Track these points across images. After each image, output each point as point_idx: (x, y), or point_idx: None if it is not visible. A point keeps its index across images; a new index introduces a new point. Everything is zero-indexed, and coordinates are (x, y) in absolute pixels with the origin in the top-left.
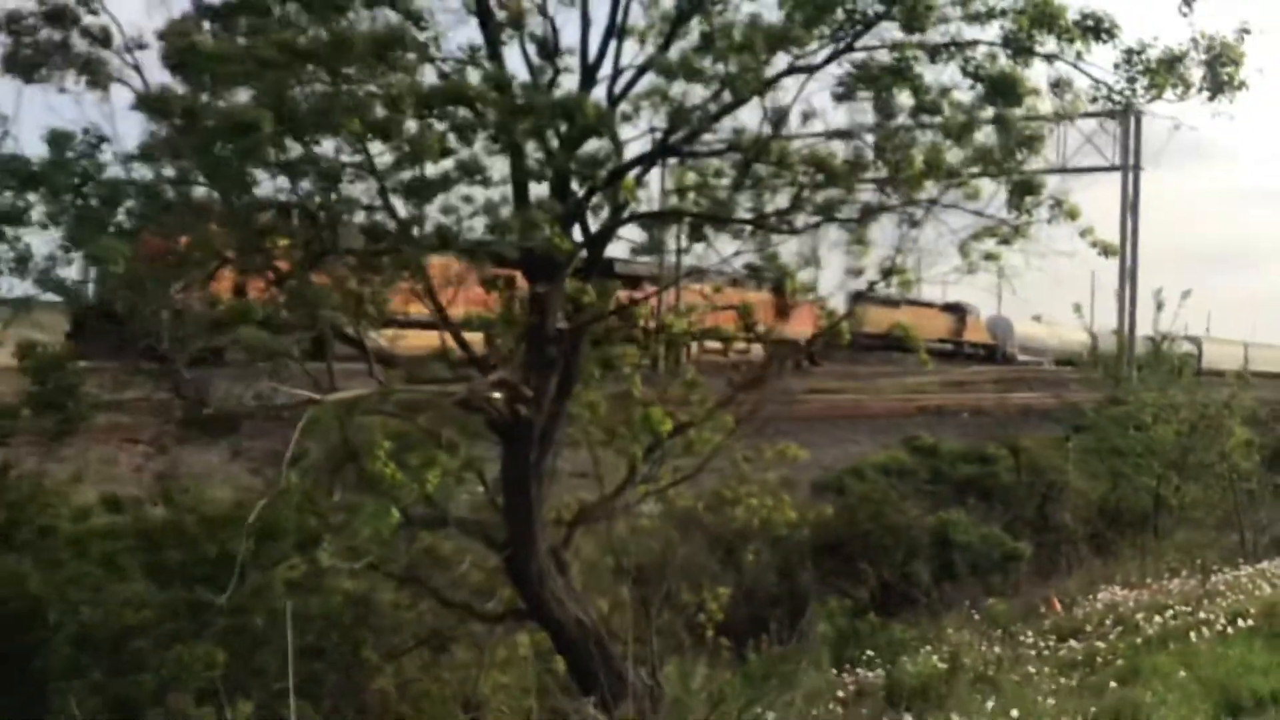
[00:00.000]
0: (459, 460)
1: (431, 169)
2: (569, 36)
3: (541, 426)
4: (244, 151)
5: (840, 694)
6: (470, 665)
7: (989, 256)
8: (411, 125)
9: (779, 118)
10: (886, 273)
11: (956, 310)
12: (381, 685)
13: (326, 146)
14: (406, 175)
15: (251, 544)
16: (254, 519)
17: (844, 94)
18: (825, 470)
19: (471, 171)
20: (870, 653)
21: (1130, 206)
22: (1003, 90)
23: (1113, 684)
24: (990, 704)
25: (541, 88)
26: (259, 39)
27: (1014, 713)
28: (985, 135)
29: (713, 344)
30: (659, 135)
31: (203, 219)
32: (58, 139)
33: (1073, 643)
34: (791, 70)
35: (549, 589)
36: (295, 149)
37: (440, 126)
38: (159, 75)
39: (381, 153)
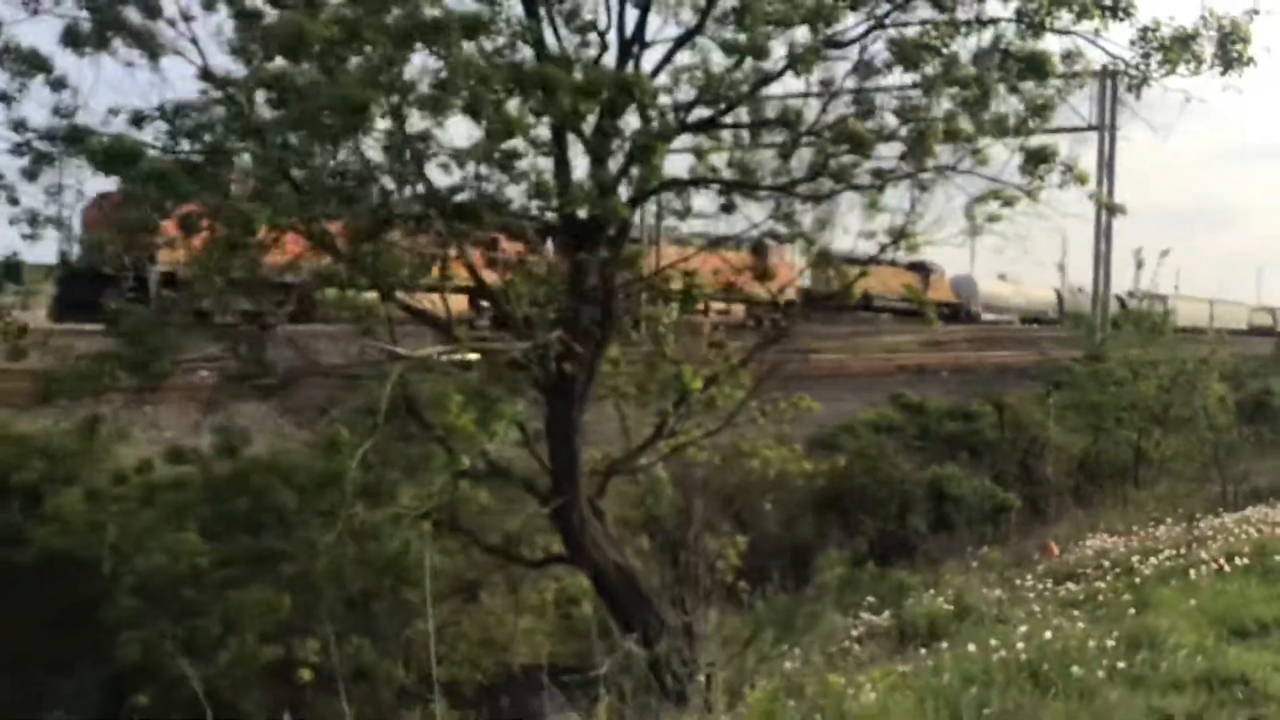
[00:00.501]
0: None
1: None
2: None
3: (581, 383)
4: (352, 128)
5: (855, 633)
6: (497, 611)
7: (993, 218)
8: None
9: (832, 94)
10: (897, 236)
11: (920, 269)
12: (422, 628)
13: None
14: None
15: (314, 495)
16: (314, 470)
17: (877, 69)
18: (820, 427)
19: (538, 144)
20: (871, 599)
21: (1106, 166)
22: (1034, 67)
23: (1131, 610)
24: (1024, 628)
25: (601, 67)
26: (366, 20)
27: (1046, 634)
28: (999, 104)
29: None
30: (701, 109)
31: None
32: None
33: (1070, 585)
34: (827, 44)
35: (590, 535)
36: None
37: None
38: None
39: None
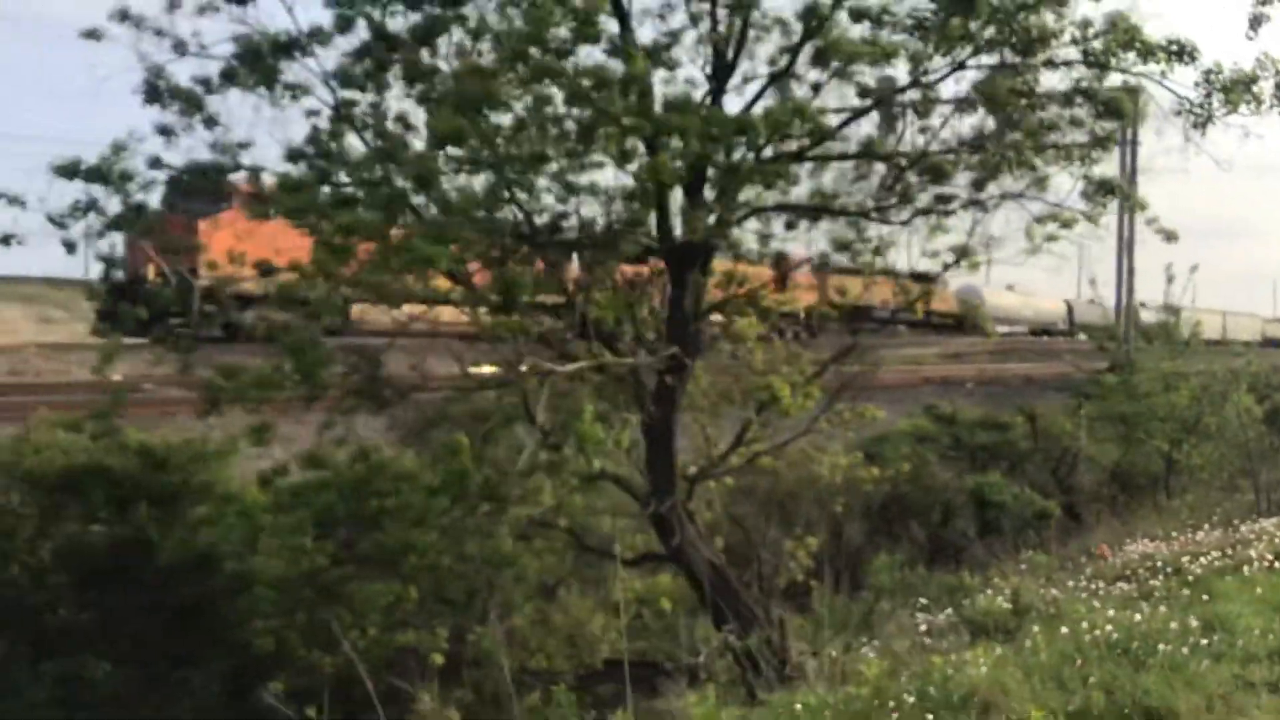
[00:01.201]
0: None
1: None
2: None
3: (678, 394)
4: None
5: (922, 628)
6: (574, 608)
7: (1050, 239)
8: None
9: (931, 128)
10: (959, 255)
11: (923, 279)
12: (517, 622)
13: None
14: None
15: (437, 497)
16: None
17: (967, 107)
18: (859, 436)
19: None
20: (924, 600)
21: (1129, 179)
22: (1114, 110)
23: (1205, 596)
24: (1111, 611)
25: (723, 112)
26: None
27: (1136, 616)
28: (1061, 135)
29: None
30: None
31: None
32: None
33: (1122, 585)
34: (913, 84)
35: (686, 535)
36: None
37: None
38: None
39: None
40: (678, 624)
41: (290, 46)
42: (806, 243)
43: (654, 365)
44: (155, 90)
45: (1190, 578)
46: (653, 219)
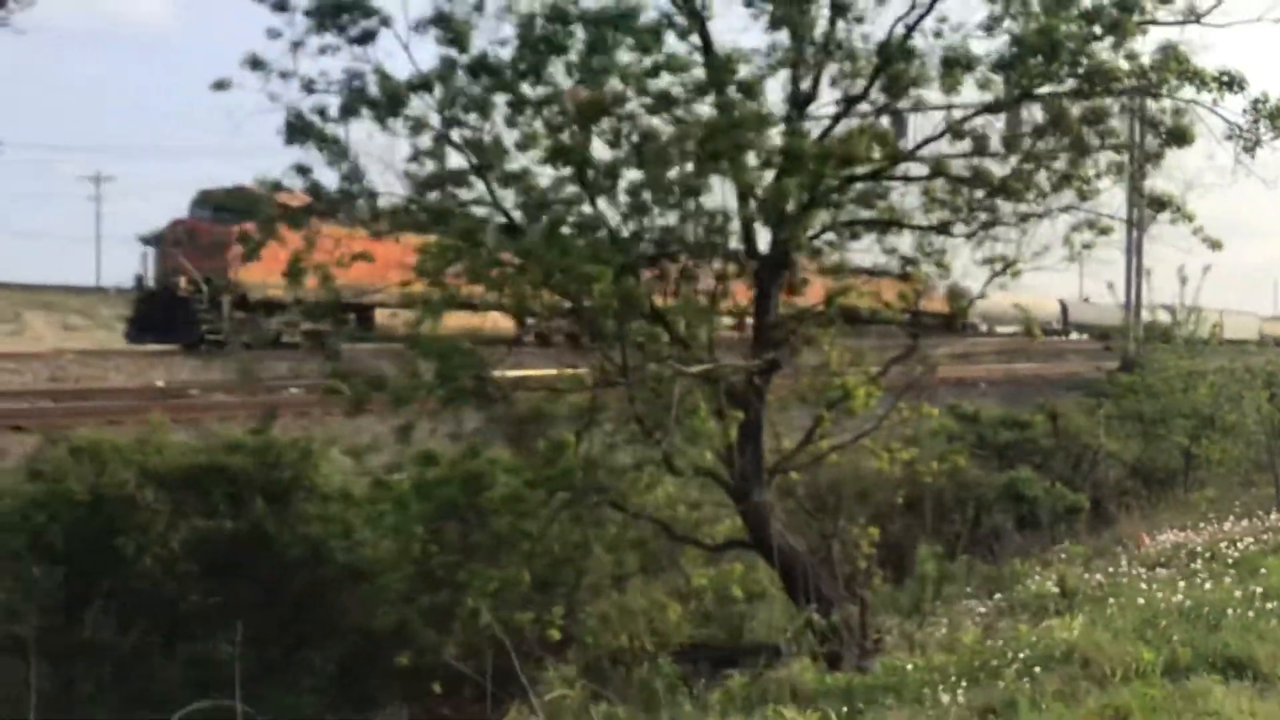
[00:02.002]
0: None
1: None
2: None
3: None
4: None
5: (982, 610)
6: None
7: (1087, 246)
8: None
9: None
10: (1005, 265)
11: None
12: (604, 608)
13: None
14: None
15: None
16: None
17: (1041, 134)
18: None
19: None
20: (968, 588)
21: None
22: (1177, 137)
23: (1250, 574)
24: (1165, 593)
25: (833, 139)
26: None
27: (1207, 585)
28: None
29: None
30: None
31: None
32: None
33: (1161, 570)
34: (984, 109)
35: (772, 524)
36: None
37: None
38: None
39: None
40: (737, 611)
41: (417, 87)
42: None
43: (758, 367)
44: (295, 129)
45: (1230, 561)
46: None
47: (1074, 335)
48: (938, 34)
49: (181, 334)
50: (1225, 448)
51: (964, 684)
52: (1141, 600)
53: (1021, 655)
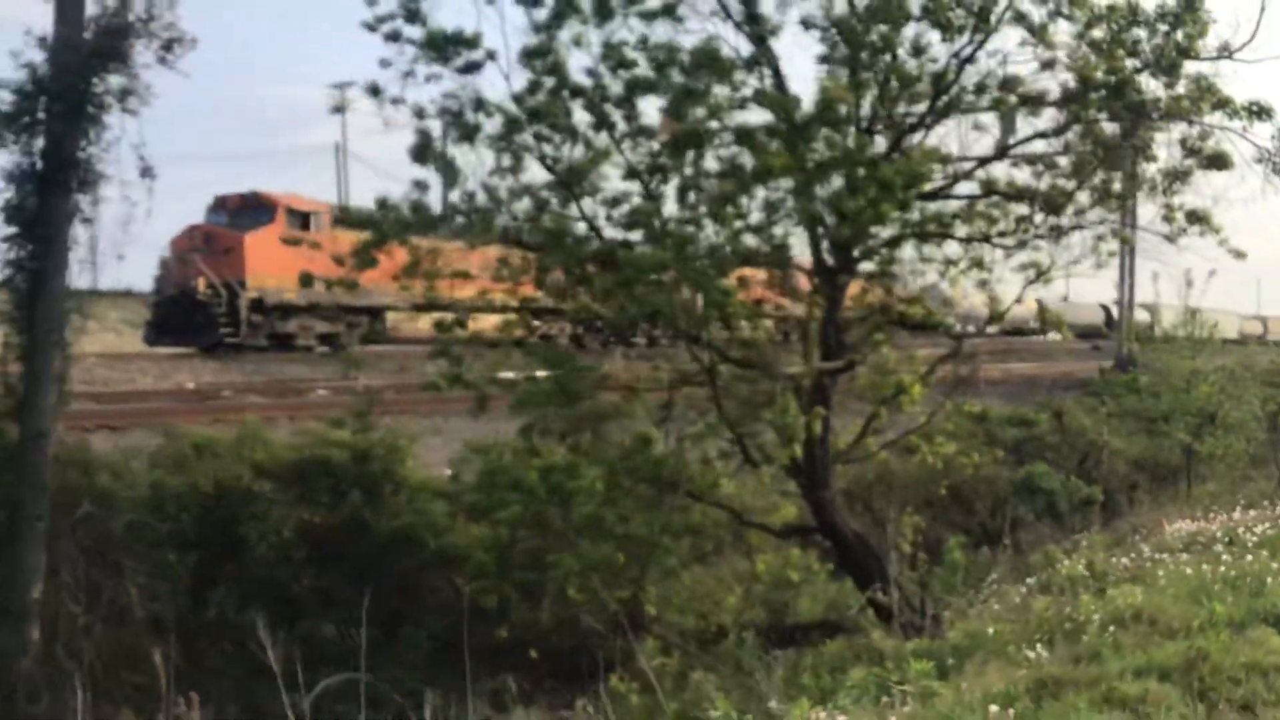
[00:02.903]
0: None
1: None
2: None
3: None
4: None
5: (1023, 589)
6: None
7: (1112, 254)
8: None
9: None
10: (1040, 273)
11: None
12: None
13: None
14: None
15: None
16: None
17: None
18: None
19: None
20: (993, 575)
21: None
22: (1217, 162)
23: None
24: (1209, 566)
25: (913, 160)
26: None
27: (1248, 558)
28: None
29: None
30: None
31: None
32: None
33: (1183, 555)
34: (1035, 136)
35: (836, 511)
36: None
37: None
38: None
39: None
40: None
41: (530, 118)
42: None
43: (841, 368)
44: (420, 151)
45: (1250, 544)
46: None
47: (1054, 335)
48: (985, 84)
49: (200, 336)
50: (1226, 444)
51: (1045, 642)
52: (1176, 576)
53: (1095, 617)
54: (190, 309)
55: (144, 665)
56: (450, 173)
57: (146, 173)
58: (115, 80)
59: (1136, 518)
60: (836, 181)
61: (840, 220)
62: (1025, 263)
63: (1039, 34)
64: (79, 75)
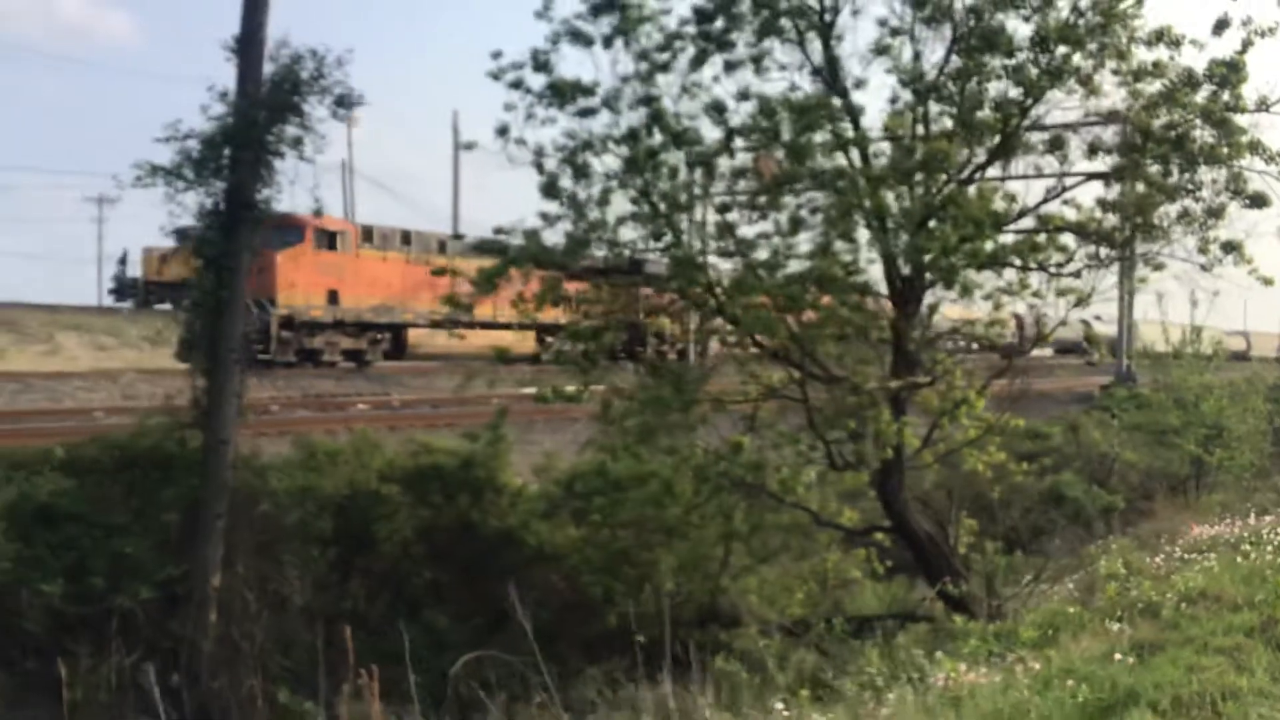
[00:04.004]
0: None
1: None
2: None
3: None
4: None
5: (1070, 585)
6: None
7: (1142, 280)
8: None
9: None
10: (1080, 299)
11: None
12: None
13: None
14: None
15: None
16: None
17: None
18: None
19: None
20: (1027, 577)
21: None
22: (1258, 202)
23: None
24: (1255, 554)
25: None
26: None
27: None
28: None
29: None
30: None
31: None
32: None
33: (1210, 555)
34: (1090, 177)
35: (909, 510)
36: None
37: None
38: None
39: None
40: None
41: (649, 157)
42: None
43: (926, 383)
44: (549, 188)
45: (1275, 544)
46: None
47: (1035, 352)
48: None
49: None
50: (1233, 455)
51: (1123, 619)
52: (1226, 563)
53: (1168, 596)
54: None
55: (296, 649)
56: (575, 207)
57: (319, 212)
58: (290, 130)
59: (1154, 524)
60: (929, 221)
61: (918, 253)
62: (1063, 288)
63: (1092, 88)
64: (259, 127)
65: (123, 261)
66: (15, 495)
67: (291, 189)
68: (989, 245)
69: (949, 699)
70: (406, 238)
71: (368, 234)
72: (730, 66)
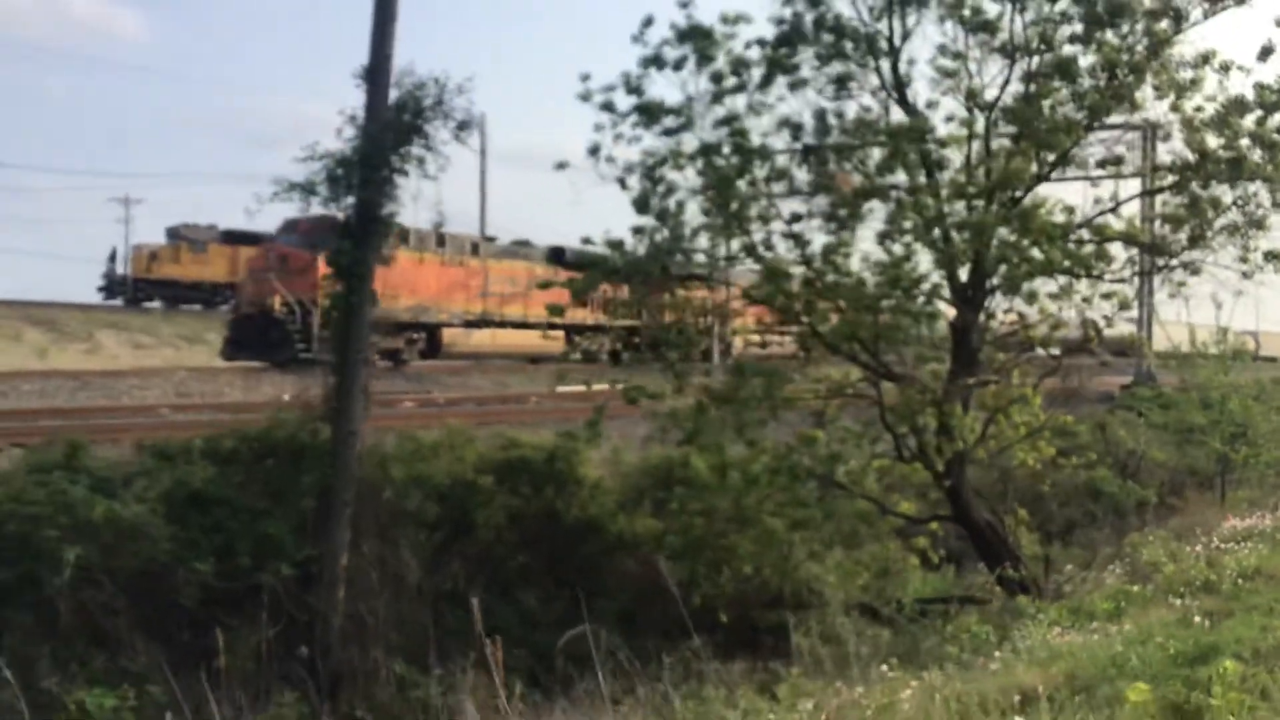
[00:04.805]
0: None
1: None
2: None
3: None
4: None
5: (1118, 572)
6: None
7: (1181, 285)
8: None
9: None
10: (1123, 305)
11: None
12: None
13: None
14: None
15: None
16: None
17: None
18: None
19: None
20: (1070, 566)
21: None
22: None
23: None
24: None
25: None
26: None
27: None
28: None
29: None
30: None
31: None
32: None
33: (1248, 545)
34: (1148, 193)
35: (972, 501)
36: None
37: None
38: None
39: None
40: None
41: (739, 175)
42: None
43: (994, 380)
44: (640, 203)
45: None
46: None
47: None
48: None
49: (277, 352)
50: (1258, 453)
51: (1185, 595)
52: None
53: (1227, 573)
54: (267, 325)
55: (409, 625)
56: (667, 219)
57: (439, 225)
58: (416, 151)
59: (1183, 519)
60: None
61: (996, 264)
62: (1107, 292)
63: (1136, 104)
64: (386, 149)
65: (112, 259)
66: (171, 483)
67: (414, 204)
68: (1055, 254)
69: (1051, 655)
70: (441, 240)
71: (404, 236)
72: (794, 85)
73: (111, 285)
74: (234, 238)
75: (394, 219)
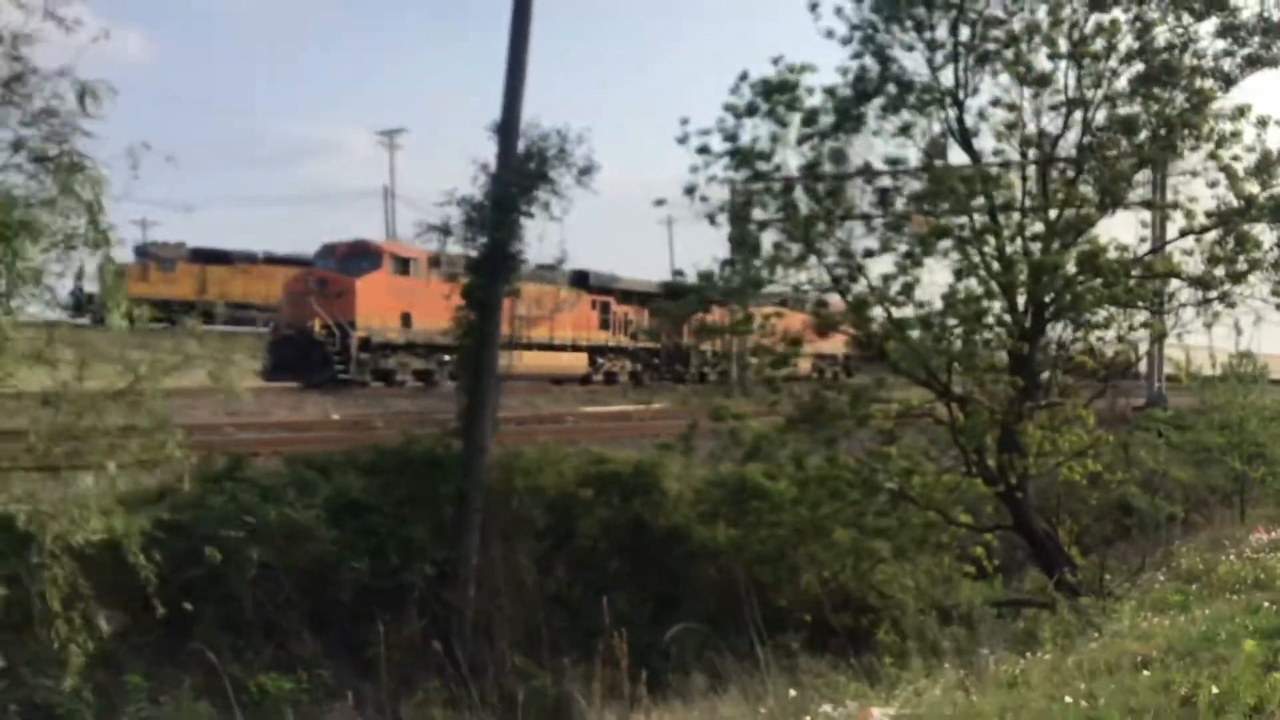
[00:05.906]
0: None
1: None
2: None
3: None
4: None
5: (1161, 578)
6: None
7: (1215, 314)
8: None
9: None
10: (1160, 334)
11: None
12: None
13: None
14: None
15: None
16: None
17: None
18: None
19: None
20: (1107, 575)
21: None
22: None
23: None
24: None
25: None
26: None
27: None
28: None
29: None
30: None
31: None
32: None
33: (1275, 553)
34: (1192, 232)
35: (1030, 511)
36: None
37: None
38: None
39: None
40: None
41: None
42: None
43: (1059, 401)
44: (737, 243)
45: None
46: None
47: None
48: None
49: (316, 373)
50: (1275, 472)
51: (1241, 591)
52: None
53: (1277, 573)
54: (307, 347)
55: (525, 622)
56: (759, 254)
57: (561, 261)
58: (542, 195)
59: (1210, 533)
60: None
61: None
62: (1146, 321)
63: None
64: (515, 194)
65: (79, 277)
66: (331, 491)
67: (539, 243)
68: (1119, 290)
69: (1142, 634)
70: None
71: (435, 260)
72: (857, 129)
73: (79, 304)
74: (203, 256)
75: (521, 256)
